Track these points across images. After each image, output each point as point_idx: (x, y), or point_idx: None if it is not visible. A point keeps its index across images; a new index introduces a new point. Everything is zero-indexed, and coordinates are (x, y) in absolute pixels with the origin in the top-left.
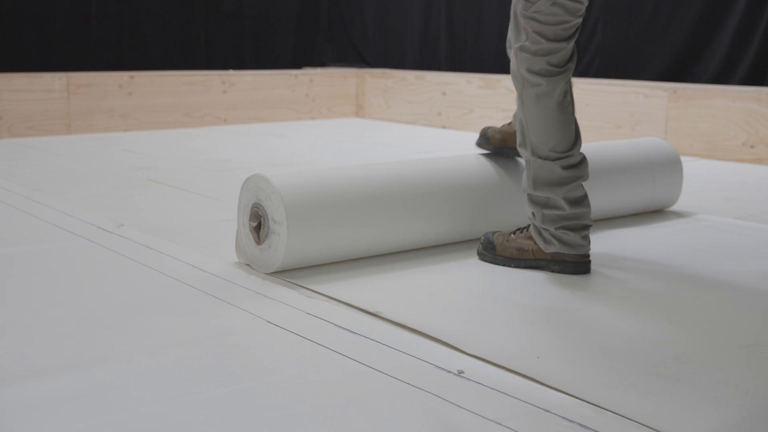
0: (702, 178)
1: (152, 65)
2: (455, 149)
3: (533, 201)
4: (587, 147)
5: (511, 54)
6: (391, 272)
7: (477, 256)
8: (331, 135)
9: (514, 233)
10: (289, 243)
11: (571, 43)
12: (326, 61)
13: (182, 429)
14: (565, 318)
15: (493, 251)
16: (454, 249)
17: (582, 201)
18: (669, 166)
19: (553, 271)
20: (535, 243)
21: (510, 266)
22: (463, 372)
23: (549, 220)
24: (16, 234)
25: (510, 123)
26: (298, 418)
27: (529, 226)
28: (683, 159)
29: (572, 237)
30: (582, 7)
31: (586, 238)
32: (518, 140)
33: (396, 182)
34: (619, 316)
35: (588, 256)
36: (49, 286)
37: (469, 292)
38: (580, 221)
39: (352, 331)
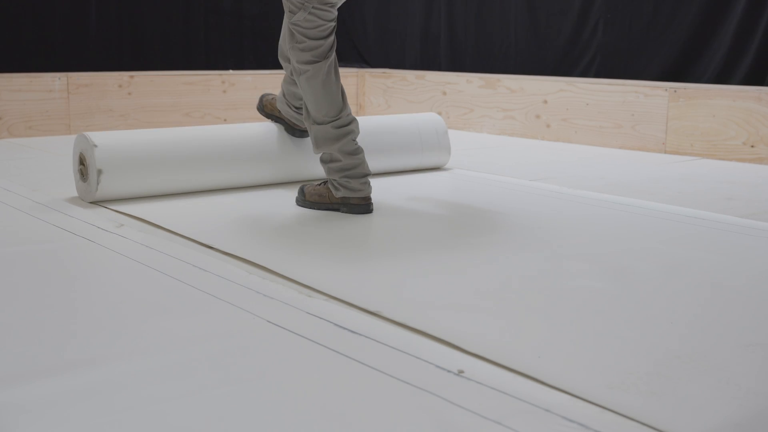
0: (702, 178)
1: (152, 65)
2: (455, 149)
3: (321, 159)
4: (371, 120)
5: (288, 53)
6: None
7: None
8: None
9: (319, 184)
10: (101, 179)
11: (329, 39)
12: None
13: (182, 429)
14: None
15: (303, 197)
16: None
17: (356, 153)
18: (436, 133)
19: (342, 212)
20: (329, 190)
21: (313, 209)
22: (463, 372)
23: (334, 171)
24: (16, 234)
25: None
26: (298, 418)
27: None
28: (683, 158)
29: (354, 183)
30: (332, 15)
31: (366, 184)
32: (304, 115)
33: (197, 140)
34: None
35: (369, 198)
36: (48, 286)
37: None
38: (357, 170)
39: (352, 331)
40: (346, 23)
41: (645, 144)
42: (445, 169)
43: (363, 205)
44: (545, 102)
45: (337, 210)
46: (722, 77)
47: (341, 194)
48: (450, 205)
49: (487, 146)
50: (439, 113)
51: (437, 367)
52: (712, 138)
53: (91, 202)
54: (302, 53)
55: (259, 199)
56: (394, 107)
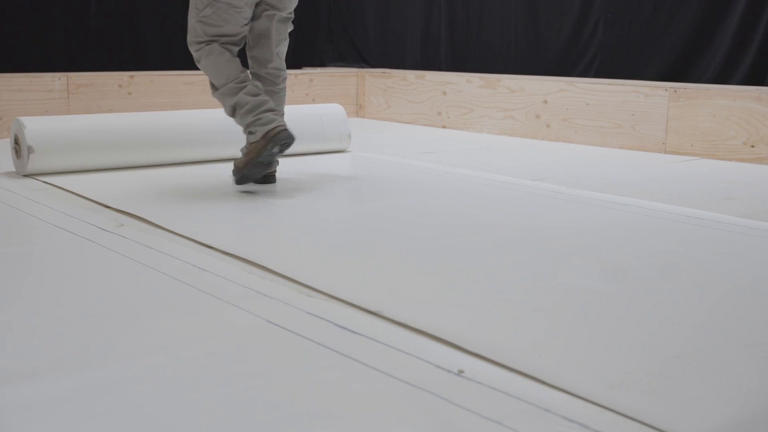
0: (702, 178)
1: (152, 65)
2: (455, 149)
3: (233, 115)
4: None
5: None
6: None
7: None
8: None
9: (241, 151)
10: (30, 155)
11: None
12: (326, 61)
13: (182, 429)
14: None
15: (235, 170)
16: None
17: (259, 93)
18: (336, 120)
19: (273, 153)
20: (252, 143)
21: (248, 175)
22: (463, 371)
23: (246, 115)
24: (15, 234)
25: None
26: (298, 418)
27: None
28: (683, 158)
29: (265, 117)
30: (238, 15)
31: (277, 114)
32: (211, 92)
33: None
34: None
35: (284, 125)
36: (48, 286)
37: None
38: (265, 106)
39: (352, 331)
40: (346, 23)
41: (645, 144)
42: (348, 152)
43: (282, 132)
44: (545, 102)
45: (267, 160)
46: (722, 77)
47: (260, 134)
48: (441, 203)
49: (487, 146)
50: (439, 113)
51: (437, 366)
52: (712, 138)
53: (24, 175)
54: (196, 37)
55: (260, 198)
56: (394, 107)
